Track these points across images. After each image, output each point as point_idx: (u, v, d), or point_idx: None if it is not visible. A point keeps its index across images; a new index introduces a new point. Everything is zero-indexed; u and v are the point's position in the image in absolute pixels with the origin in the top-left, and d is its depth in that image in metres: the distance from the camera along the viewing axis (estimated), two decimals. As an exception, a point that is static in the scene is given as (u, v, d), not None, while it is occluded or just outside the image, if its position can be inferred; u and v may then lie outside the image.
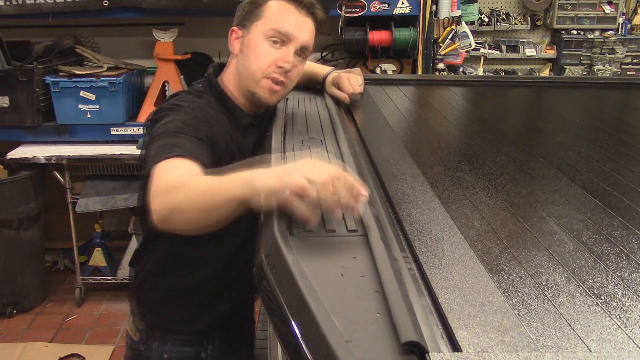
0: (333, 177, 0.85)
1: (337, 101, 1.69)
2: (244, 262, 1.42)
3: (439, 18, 3.34)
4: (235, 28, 1.42)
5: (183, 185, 1.02)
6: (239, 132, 1.41)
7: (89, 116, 3.15)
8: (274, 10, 1.36)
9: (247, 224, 1.30)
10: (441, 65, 3.44)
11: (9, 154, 3.09)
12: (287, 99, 1.62)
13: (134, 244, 3.38)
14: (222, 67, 1.49)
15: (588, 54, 3.70)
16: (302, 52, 1.40)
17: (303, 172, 0.86)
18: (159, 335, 1.47)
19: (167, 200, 1.01)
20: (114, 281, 3.43)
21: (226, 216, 0.97)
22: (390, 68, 3.46)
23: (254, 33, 1.37)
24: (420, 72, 3.36)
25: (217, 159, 1.25)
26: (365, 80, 2.28)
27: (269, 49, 1.35)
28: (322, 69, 1.80)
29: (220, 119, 1.37)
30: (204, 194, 0.98)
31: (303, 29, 1.37)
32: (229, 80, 1.43)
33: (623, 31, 3.69)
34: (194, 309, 1.48)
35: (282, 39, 1.35)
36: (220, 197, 0.95)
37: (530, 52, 3.68)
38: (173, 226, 1.03)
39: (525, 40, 3.71)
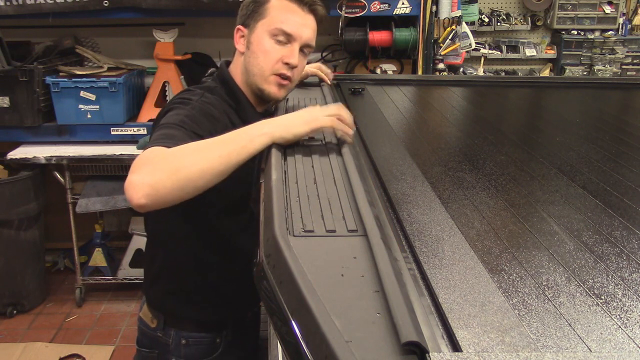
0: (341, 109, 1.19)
1: (337, 101, 1.69)
2: (249, 251, 1.45)
3: (439, 18, 3.34)
4: (239, 26, 1.46)
5: (177, 149, 1.07)
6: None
7: (89, 116, 3.15)
8: (277, 9, 1.40)
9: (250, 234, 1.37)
10: (441, 65, 3.44)
11: (9, 154, 3.09)
12: (287, 99, 1.62)
13: (134, 244, 3.39)
14: (229, 64, 1.53)
15: (588, 54, 3.70)
16: (305, 49, 1.45)
17: (322, 112, 1.16)
18: (176, 323, 1.51)
19: (153, 171, 1.03)
20: (114, 281, 3.43)
21: (225, 172, 1.07)
22: (390, 68, 3.46)
23: (259, 31, 1.41)
24: (420, 72, 3.36)
25: None
26: (365, 80, 2.29)
27: (274, 46, 1.40)
28: None
29: (228, 113, 1.42)
30: (204, 150, 1.07)
31: (306, 26, 1.42)
32: (237, 77, 1.48)
33: (623, 31, 3.69)
34: (207, 305, 1.53)
35: (286, 38, 1.40)
36: (226, 148, 1.07)
37: (530, 52, 3.68)
38: (162, 193, 1.02)
39: (525, 40, 3.71)
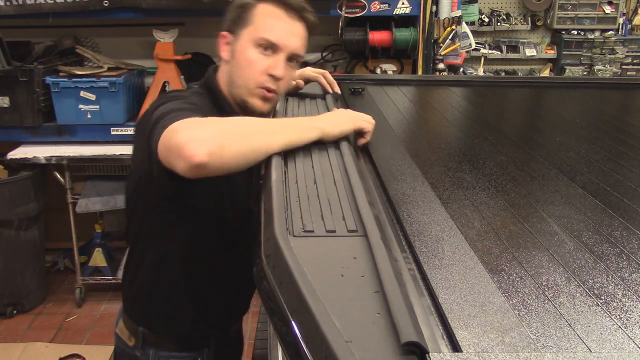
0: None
1: (337, 101, 1.69)
2: (235, 267, 1.45)
3: (439, 18, 3.34)
4: (224, 33, 1.38)
5: (234, 119, 1.10)
6: None
7: (89, 116, 3.15)
8: (263, 16, 1.32)
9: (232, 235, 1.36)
10: (441, 65, 3.44)
11: (9, 154, 3.09)
12: (287, 99, 1.62)
13: (134, 244, 3.38)
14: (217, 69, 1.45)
15: (588, 54, 3.70)
16: (293, 58, 1.37)
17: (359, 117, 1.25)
18: (155, 341, 1.45)
19: (216, 131, 1.01)
20: (114, 281, 3.43)
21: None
22: (390, 68, 3.46)
23: (244, 40, 1.33)
24: (420, 72, 3.36)
25: None
26: (365, 80, 2.29)
27: (259, 57, 1.32)
28: None
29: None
30: (259, 129, 1.08)
31: (293, 34, 1.33)
32: (222, 86, 1.40)
33: (623, 31, 3.69)
34: (189, 318, 1.45)
35: (272, 47, 1.32)
36: (285, 130, 1.10)
37: (530, 52, 3.69)
38: (218, 161, 1.00)
39: (525, 40, 3.71)
